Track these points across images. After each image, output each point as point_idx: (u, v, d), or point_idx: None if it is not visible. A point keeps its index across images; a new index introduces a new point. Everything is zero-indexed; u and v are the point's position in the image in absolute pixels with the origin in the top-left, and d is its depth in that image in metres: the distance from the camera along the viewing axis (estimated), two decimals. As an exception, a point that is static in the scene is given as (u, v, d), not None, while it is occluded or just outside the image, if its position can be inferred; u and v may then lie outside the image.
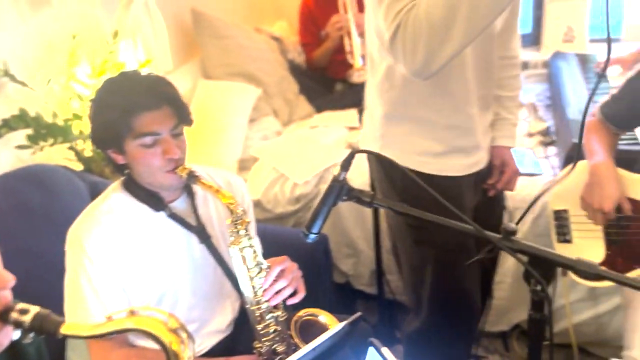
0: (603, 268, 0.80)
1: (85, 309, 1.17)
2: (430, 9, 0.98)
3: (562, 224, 1.57)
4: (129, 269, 1.21)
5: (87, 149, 1.88)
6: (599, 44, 3.15)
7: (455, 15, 0.96)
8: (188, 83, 2.49)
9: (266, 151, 2.29)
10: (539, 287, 0.80)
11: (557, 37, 3.13)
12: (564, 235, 1.57)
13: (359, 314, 1.02)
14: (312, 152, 2.23)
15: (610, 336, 1.83)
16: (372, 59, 1.32)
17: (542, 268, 0.81)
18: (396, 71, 1.24)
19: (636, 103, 1.40)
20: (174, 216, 1.27)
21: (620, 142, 1.60)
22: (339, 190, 0.93)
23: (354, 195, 0.92)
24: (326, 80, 3.09)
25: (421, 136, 1.31)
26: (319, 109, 2.82)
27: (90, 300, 1.17)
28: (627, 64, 2.37)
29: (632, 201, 1.40)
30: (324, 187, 2.10)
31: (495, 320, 2.00)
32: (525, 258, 0.83)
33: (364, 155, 1.46)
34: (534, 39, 3.25)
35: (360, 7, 2.84)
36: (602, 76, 1.05)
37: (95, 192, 1.66)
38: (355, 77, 2.71)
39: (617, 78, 2.36)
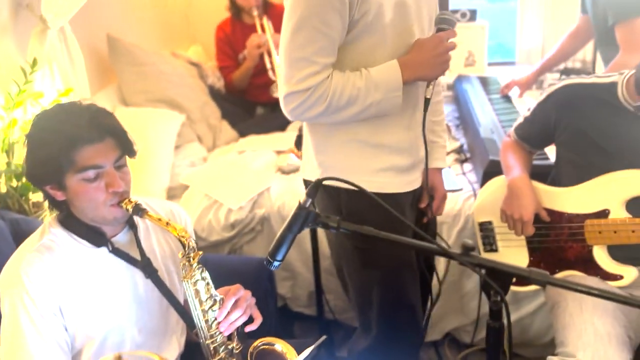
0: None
1: (27, 352, 1.08)
2: (337, 94, 1.22)
3: (487, 235, 1.70)
4: (71, 307, 1.15)
5: (1, 183, 1.74)
6: (496, 67, 3.46)
7: (347, 108, 1.24)
8: (106, 111, 2.39)
9: (196, 178, 2.25)
10: (498, 298, 0.87)
11: (459, 62, 3.38)
12: (490, 245, 1.70)
13: (324, 337, 1.04)
14: (243, 177, 2.22)
15: (533, 336, 1.98)
16: None
17: (498, 280, 0.88)
18: None
19: (546, 125, 1.55)
20: (117, 251, 1.22)
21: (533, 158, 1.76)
22: (305, 217, 0.95)
23: (320, 222, 0.95)
24: (247, 105, 3.10)
25: (359, 157, 1.36)
26: (243, 133, 2.82)
27: (32, 342, 1.09)
28: (524, 85, 2.60)
29: (549, 211, 1.54)
30: (259, 212, 2.11)
31: (428, 330, 2.10)
32: (483, 271, 0.90)
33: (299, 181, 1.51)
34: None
35: (277, 29, 2.91)
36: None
37: (17, 230, 1.54)
38: (277, 93, 2.74)
39: (518, 99, 2.60)
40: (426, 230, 1.63)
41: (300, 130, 1.61)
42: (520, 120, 1.65)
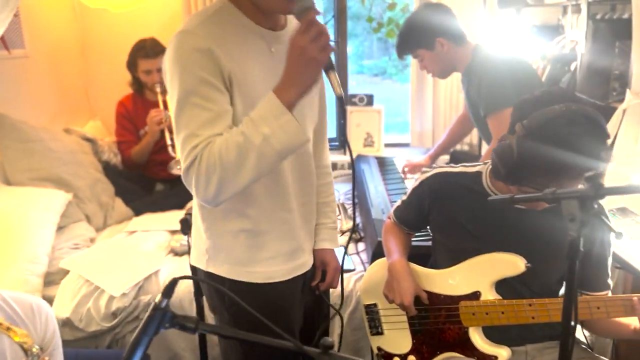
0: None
1: None
2: (223, 150, 1.10)
3: (373, 317, 1.71)
4: None
5: None
6: (393, 148, 3.66)
7: (245, 159, 1.10)
8: (-16, 190, 2.23)
9: (77, 262, 2.11)
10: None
11: (359, 142, 3.54)
12: (376, 328, 1.71)
13: None
14: (130, 260, 2.12)
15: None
16: None
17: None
18: None
19: (421, 210, 1.62)
20: None
21: (414, 238, 1.83)
22: (161, 318, 0.90)
23: (177, 323, 0.90)
24: (145, 181, 3.03)
25: (244, 246, 1.34)
26: (138, 211, 2.72)
27: None
28: (418, 168, 2.74)
29: (428, 293, 1.58)
30: (144, 298, 2.00)
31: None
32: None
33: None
34: (341, 143, 3.63)
35: None
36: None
37: None
38: (176, 170, 2.71)
39: (410, 181, 2.74)
40: (320, 304, 1.62)
41: (188, 212, 1.57)
42: (398, 203, 1.72)
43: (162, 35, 3.02)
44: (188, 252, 1.74)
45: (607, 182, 1.94)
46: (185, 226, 1.70)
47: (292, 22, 1.34)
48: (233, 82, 1.19)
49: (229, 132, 1.14)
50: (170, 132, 2.84)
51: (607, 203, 1.93)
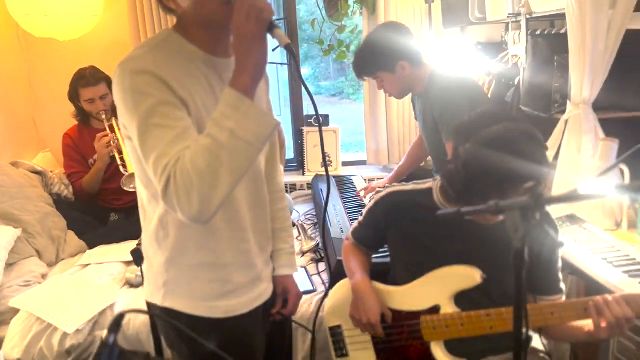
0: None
1: None
2: (194, 159, 1.04)
3: (337, 340, 1.70)
4: None
5: None
6: (351, 167, 3.69)
7: (218, 161, 1.03)
8: None
9: (28, 300, 2.03)
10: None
11: (316, 162, 3.56)
12: (340, 350, 1.69)
13: None
14: (83, 295, 2.05)
15: None
16: (144, 209, 1.30)
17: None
18: (170, 219, 1.24)
19: (378, 229, 1.64)
20: None
21: (375, 256, 1.84)
22: (109, 356, 0.87)
23: None
24: (99, 211, 2.95)
25: (203, 280, 1.30)
26: (92, 244, 2.65)
27: None
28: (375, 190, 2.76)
29: (391, 311, 1.59)
30: (99, 333, 1.93)
31: None
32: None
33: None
34: (299, 164, 3.64)
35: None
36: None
37: None
38: (130, 187, 2.66)
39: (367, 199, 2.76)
40: (283, 329, 1.60)
41: (139, 242, 1.52)
42: (355, 225, 1.73)
43: (110, 63, 2.97)
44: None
45: (554, 191, 2.02)
46: (138, 257, 1.65)
47: None
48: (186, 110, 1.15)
49: (196, 141, 1.07)
50: (120, 153, 2.80)
51: (556, 211, 2.01)
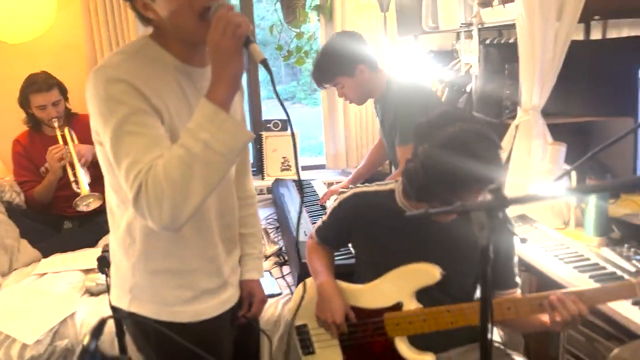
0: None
1: None
2: (167, 168, 1.05)
3: (304, 338, 1.73)
4: None
5: None
6: (310, 171, 3.73)
7: (191, 171, 1.04)
8: None
9: (-18, 312, 1.96)
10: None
11: (276, 167, 3.59)
12: (307, 348, 1.73)
13: None
14: (42, 304, 1.99)
15: None
16: (112, 214, 1.30)
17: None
18: (137, 226, 1.25)
19: (341, 229, 1.69)
20: None
21: (338, 256, 1.89)
22: (91, 361, 0.87)
23: (109, 362, 0.88)
24: (52, 219, 2.86)
25: (169, 286, 1.31)
26: (46, 252, 2.57)
27: None
28: (337, 193, 2.81)
29: (354, 308, 1.63)
30: (60, 343, 1.89)
31: None
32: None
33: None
34: (258, 169, 3.65)
35: (81, 139, 2.80)
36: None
37: None
38: (83, 207, 2.59)
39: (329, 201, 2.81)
40: (250, 333, 1.61)
41: (105, 249, 1.51)
42: (319, 223, 1.77)
43: (63, 68, 2.91)
44: (107, 291, 1.68)
45: (506, 192, 2.13)
46: (103, 264, 1.63)
47: None
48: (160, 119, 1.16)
49: (170, 150, 1.08)
50: (72, 167, 2.71)
51: (509, 211, 2.12)
